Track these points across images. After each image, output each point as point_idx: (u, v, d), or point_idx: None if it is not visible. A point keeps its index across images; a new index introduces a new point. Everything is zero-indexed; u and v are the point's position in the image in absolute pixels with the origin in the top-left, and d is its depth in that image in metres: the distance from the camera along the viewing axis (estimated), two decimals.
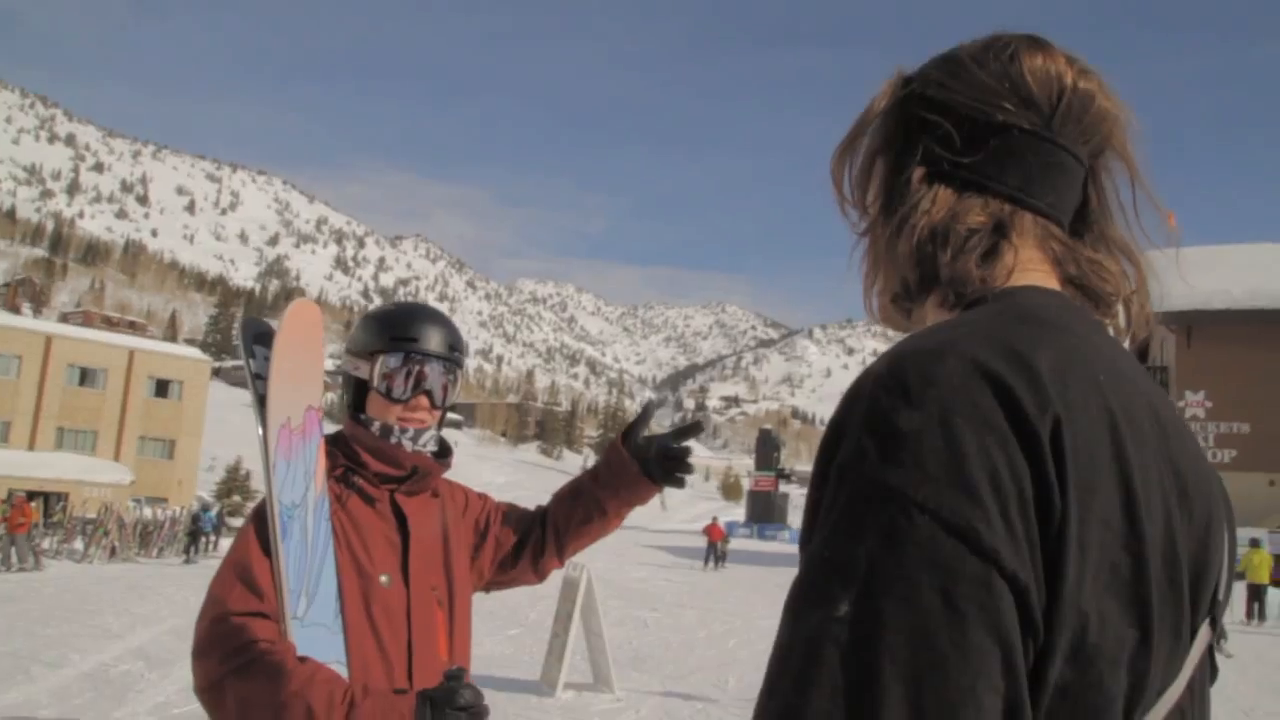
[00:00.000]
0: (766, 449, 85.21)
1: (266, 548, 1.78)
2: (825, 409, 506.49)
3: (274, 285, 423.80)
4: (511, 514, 2.19)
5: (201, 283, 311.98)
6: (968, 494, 0.66)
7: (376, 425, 1.98)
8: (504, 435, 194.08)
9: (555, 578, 11.95)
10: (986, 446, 0.68)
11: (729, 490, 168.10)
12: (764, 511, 78.24)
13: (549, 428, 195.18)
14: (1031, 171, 0.87)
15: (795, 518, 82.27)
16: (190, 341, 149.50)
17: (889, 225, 0.91)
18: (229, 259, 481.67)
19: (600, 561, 30.41)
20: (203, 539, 29.08)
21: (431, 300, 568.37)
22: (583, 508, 2.13)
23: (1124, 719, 0.71)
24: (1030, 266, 0.87)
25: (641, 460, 2.07)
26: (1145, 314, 0.92)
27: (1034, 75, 0.88)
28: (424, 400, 2.00)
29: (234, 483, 56.58)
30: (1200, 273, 30.31)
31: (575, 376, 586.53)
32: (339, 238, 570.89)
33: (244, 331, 2.00)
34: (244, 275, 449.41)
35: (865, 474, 0.69)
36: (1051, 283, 0.88)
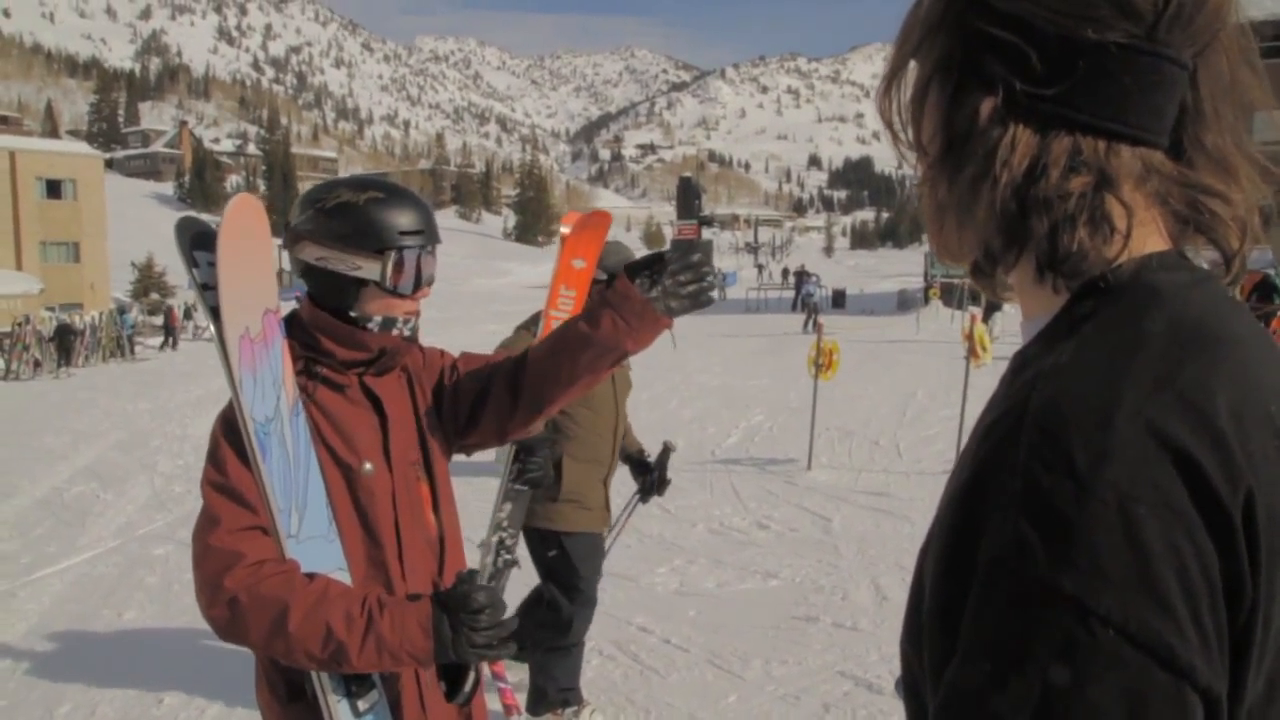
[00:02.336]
0: (688, 196, 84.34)
1: (244, 457, 1.71)
2: (741, 150, 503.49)
3: (155, 64, 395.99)
4: (470, 370, 2.05)
5: (74, 67, 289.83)
6: (1157, 601, 0.57)
7: (376, 320, 1.86)
8: None
9: None
10: (1174, 540, 0.58)
11: (651, 239, 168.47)
12: None
13: (465, 191, 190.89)
14: (1129, 94, 0.70)
15: (721, 262, 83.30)
16: (74, 133, 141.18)
17: (958, 176, 0.74)
18: (99, 38, 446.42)
19: None
20: (125, 342, 29.14)
21: (328, 66, 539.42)
22: (569, 362, 1.87)
23: None
24: (1141, 222, 0.72)
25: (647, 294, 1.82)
26: (1246, 254, 0.76)
27: None
28: (427, 289, 1.92)
29: (149, 280, 55.04)
30: None
31: (486, 136, 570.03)
32: (218, 5, 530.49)
33: (180, 236, 1.81)
34: (119, 55, 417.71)
35: (1030, 575, 0.59)
36: (1163, 236, 0.74)
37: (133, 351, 30.07)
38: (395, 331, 1.88)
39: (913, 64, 0.79)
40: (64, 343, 26.26)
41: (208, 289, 1.76)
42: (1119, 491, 0.59)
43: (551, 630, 3.99)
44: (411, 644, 1.63)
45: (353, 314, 1.86)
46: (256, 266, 1.81)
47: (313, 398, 1.85)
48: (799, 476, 8.70)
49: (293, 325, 1.90)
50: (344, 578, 1.78)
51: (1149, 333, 0.66)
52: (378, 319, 1.86)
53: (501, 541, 3.71)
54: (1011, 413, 0.65)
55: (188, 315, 34.69)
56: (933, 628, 0.66)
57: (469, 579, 1.68)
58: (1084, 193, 0.69)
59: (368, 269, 1.82)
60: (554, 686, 3.99)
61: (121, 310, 32.25)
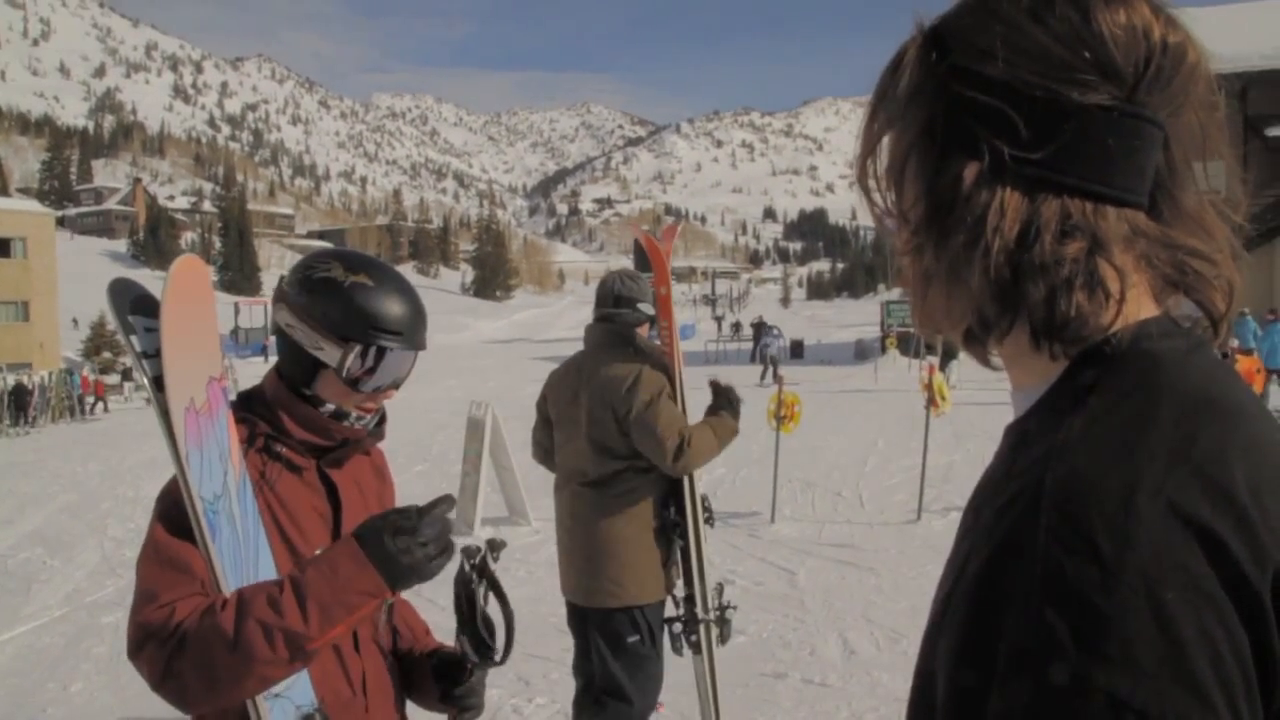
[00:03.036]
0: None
1: (182, 531, 1.59)
2: (697, 203, 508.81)
3: (109, 121, 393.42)
4: None
5: (25, 125, 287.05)
6: (1192, 691, 0.55)
7: (329, 408, 1.78)
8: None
9: (459, 417, 11.73)
10: (1206, 625, 0.56)
11: None
12: None
13: (423, 247, 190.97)
14: (1113, 156, 0.70)
15: (680, 314, 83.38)
16: (24, 191, 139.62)
17: (946, 243, 0.73)
18: (52, 96, 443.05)
19: (493, 380, 30.57)
20: (75, 402, 28.66)
21: (284, 124, 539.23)
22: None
23: None
24: (1133, 285, 0.71)
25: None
26: (1231, 317, 0.75)
27: (1115, 36, 0.69)
28: (391, 391, 1.82)
29: (101, 339, 54.23)
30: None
31: (444, 191, 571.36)
32: (174, 64, 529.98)
33: (114, 299, 1.64)
34: (73, 113, 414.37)
35: (1060, 666, 0.57)
36: (1151, 299, 0.73)
37: (84, 411, 29.54)
38: (347, 424, 1.80)
39: (891, 131, 0.77)
40: (20, 402, 25.81)
41: (146, 357, 1.61)
42: (1146, 576, 0.57)
43: None
44: (356, 582, 1.51)
45: (308, 392, 1.78)
46: (200, 332, 1.69)
47: (267, 479, 1.75)
48: (763, 530, 8.65)
49: (254, 400, 1.82)
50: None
51: (1158, 404, 0.65)
52: (330, 406, 1.78)
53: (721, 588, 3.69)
54: (1025, 493, 0.63)
55: (127, 376, 33.54)
56: (950, 717, 0.64)
57: (404, 510, 1.59)
58: (1078, 257, 0.68)
59: (327, 353, 1.72)
60: None
61: (71, 371, 31.63)
